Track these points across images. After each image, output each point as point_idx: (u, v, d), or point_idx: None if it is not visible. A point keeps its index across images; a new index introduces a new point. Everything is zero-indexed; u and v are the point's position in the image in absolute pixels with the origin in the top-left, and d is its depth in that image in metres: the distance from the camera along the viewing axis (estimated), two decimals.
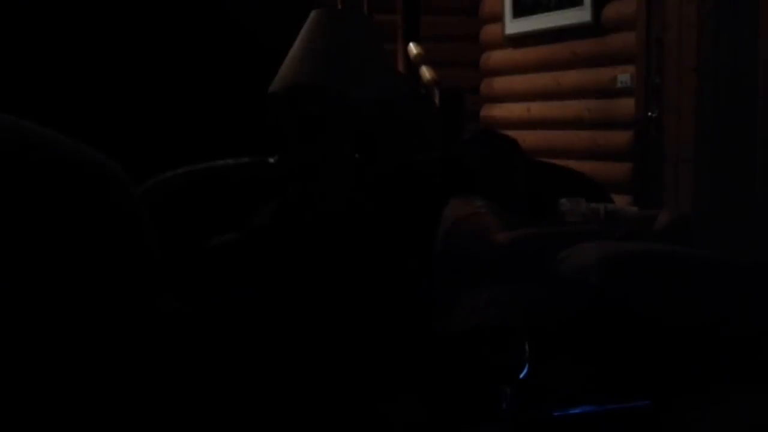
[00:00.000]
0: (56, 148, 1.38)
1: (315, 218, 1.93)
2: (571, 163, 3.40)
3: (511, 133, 2.79)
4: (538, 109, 4.77)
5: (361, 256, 1.94)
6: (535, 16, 4.68)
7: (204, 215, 2.11)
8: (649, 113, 3.93)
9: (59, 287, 1.27)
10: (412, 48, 3.97)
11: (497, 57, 5.13)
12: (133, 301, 1.36)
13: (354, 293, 1.86)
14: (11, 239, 1.24)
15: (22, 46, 3.19)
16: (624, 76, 4.10)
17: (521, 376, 1.43)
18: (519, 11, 4.80)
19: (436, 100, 3.67)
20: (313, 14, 3.06)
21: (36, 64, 3.21)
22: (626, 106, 4.08)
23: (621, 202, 3.38)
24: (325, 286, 1.85)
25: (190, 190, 2.19)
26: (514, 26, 4.87)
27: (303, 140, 1.92)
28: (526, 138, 4.32)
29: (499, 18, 4.98)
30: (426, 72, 3.80)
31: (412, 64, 3.95)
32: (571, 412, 1.46)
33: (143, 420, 1.32)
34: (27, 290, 1.24)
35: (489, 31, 5.19)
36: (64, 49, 3.26)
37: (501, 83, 5.12)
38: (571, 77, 4.49)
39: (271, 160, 2.13)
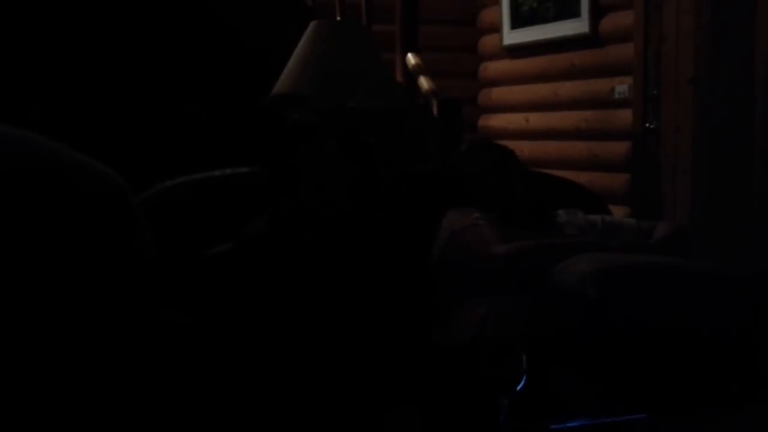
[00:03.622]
0: (56, 157, 1.37)
1: (308, 228, 1.93)
2: (569, 174, 3.40)
3: (509, 143, 2.80)
4: (536, 119, 4.77)
5: (358, 266, 1.93)
6: (533, 27, 4.69)
7: (202, 225, 2.11)
8: (647, 124, 3.94)
9: (58, 296, 1.27)
10: (411, 58, 3.97)
11: (495, 67, 5.14)
12: (132, 311, 1.36)
13: (351, 303, 1.86)
14: (9, 250, 1.24)
15: (18, 55, 3.19)
16: (622, 87, 4.11)
17: (519, 388, 1.43)
18: (517, 22, 4.82)
19: (435, 111, 3.67)
20: (312, 25, 3.06)
21: (33, 73, 3.21)
22: (624, 117, 4.09)
23: (619, 213, 3.38)
24: (321, 296, 1.85)
25: (188, 200, 2.19)
26: (512, 37, 4.88)
27: (288, 149, 1.91)
28: (524, 148, 4.34)
29: (497, 29, 4.99)
30: (424, 82, 3.80)
31: (411, 75, 3.95)
32: (569, 425, 1.45)
33: (138, 426, 1.32)
34: (25, 300, 1.24)
35: (487, 42, 5.20)
36: (63, 58, 3.27)
37: (499, 94, 5.12)
38: (568, 88, 4.50)
39: (254, 170, 2.12)
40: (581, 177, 3.67)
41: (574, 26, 4.37)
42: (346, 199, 2.00)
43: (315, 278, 1.87)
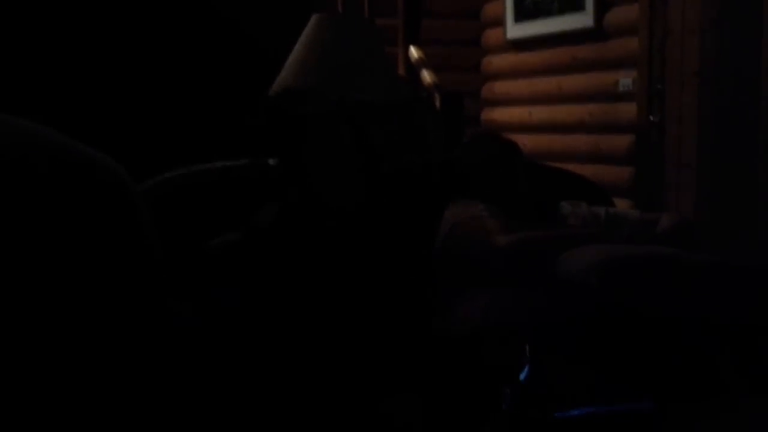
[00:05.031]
0: (59, 147, 1.37)
1: (316, 220, 1.93)
2: (573, 167, 3.39)
3: (513, 136, 2.79)
4: (539, 112, 4.77)
5: (362, 258, 1.93)
6: (537, 21, 4.68)
7: (202, 216, 2.11)
8: (651, 117, 3.93)
9: (61, 290, 1.27)
10: (413, 52, 3.96)
11: (499, 61, 5.13)
12: (137, 304, 1.36)
13: (355, 294, 1.86)
14: (13, 241, 1.24)
15: (23, 45, 3.19)
16: (626, 80, 4.10)
17: (521, 377, 1.43)
18: (521, 15, 4.81)
19: (437, 104, 3.66)
20: (314, 18, 3.06)
21: (37, 64, 3.21)
22: (628, 110, 4.08)
23: (622, 206, 3.37)
24: (326, 287, 1.85)
25: (188, 192, 2.19)
26: (515, 30, 4.87)
27: (299, 142, 1.91)
28: (528, 142, 4.33)
29: (500, 22, 4.98)
30: (427, 76, 3.80)
31: (413, 68, 3.95)
32: (572, 413, 1.45)
33: (147, 422, 1.32)
34: (29, 294, 1.24)
35: (490, 35, 5.19)
36: (65, 49, 3.27)
37: (502, 87, 5.11)
38: (572, 81, 4.49)
39: (272, 162, 2.13)
40: (585, 170, 3.66)
41: (579, 20, 4.36)
42: (357, 190, 2.00)
43: (321, 268, 1.87)
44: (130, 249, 1.36)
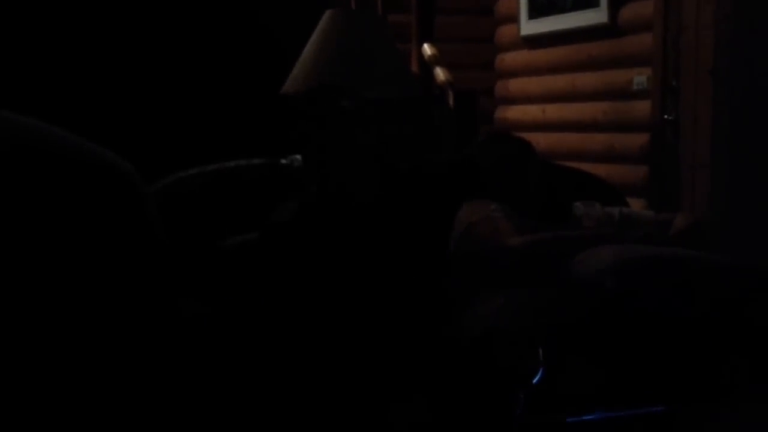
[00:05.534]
0: (69, 147, 1.37)
1: (335, 217, 1.93)
2: (586, 166, 3.37)
3: (526, 135, 2.78)
4: (553, 111, 4.74)
5: (377, 257, 1.93)
6: (550, 17, 4.65)
7: (214, 216, 2.11)
8: (666, 116, 3.90)
9: (71, 289, 1.27)
10: (427, 49, 3.95)
11: (512, 58, 5.11)
12: (147, 303, 1.36)
13: (369, 295, 1.85)
14: (23, 239, 1.24)
15: (36, 44, 3.20)
16: (640, 78, 4.07)
17: (535, 380, 1.42)
18: (535, 12, 4.78)
19: (451, 102, 3.65)
20: (326, 15, 3.05)
21: (50, 64, 3.22)
22: (642, 108, 4.05)
23: (636, 205, 3.35)
24: (342, 285, 1.85)
25: (200, 191, 2.19)
26: (529, 27, 4.84)
27: (326, 138, 1.91)
28: (541, 140, 4.30)
29: (514, 19, 4.96)
30: (440, 73, 3.78)
31: (427, 65, 3.94)
32: (585, 417, 1.44)
33: (157, 421, 1.32)
34: (40, 292, 1.24)
35: (504, 32, 5.16)
36: (79, 49, 3.27)
37: (516, 85, 5.09)
38: (586, 79, 4.46)
39: (284, 161, 2.12)
40: (599, 169, 3.64)
41: (593, 16, 4.33)
42: (374, 188, 2.00)
43: (338, 266, 1.86)
44: (137, 247, 1.36)
